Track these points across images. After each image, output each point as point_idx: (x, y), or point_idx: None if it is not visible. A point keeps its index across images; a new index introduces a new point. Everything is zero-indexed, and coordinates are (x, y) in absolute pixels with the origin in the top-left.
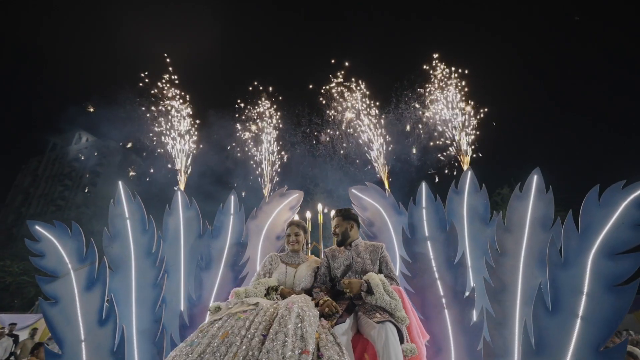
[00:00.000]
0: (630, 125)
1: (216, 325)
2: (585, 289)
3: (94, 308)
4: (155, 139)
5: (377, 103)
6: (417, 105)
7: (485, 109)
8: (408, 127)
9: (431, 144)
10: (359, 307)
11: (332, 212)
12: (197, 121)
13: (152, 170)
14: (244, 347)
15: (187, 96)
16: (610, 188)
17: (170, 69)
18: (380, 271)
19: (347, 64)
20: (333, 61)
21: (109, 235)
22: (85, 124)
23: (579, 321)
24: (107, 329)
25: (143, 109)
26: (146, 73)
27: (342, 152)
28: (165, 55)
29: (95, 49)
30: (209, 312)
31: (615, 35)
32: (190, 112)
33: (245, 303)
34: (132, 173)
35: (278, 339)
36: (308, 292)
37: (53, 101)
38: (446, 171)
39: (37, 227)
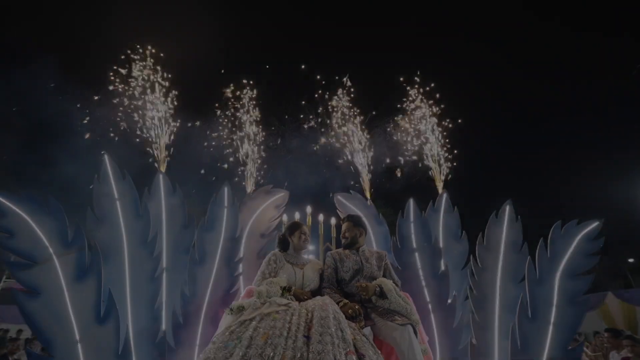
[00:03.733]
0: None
1: (250, 326)
2: (555, 302)
3: (89, 303)
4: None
5: (361, 117)
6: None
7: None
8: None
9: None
10: (371, 310)
11: (319, 216)
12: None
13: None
14: (289, 349)
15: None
16: (568, 224)
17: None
18: (384, 277)
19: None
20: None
21: (94, 218)
22: None
23: (551, 327)
24: (108, 328)
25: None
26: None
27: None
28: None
29: None
30: (229, 312)
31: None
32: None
33: (274, 303)
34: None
35: (325, 341)
36: (315, 293)
37: None
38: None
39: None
